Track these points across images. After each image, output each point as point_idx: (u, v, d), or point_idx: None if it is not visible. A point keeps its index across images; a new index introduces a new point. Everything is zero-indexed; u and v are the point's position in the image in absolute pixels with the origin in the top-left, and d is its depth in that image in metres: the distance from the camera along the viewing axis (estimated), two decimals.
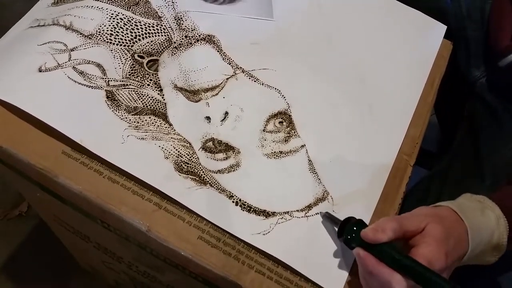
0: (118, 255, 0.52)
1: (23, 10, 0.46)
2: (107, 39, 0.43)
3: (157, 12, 0.46)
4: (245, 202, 0.38)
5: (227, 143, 0.41)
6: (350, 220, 0.35)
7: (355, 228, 0.34)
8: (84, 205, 0.40)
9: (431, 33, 0.51)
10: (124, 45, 0.43)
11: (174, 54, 0.44)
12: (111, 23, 0.44)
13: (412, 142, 0.44)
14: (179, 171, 0.39)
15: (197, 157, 0.40)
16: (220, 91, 0.43)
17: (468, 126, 0.57)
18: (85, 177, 0.38)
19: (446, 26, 0.52)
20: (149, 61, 0.43)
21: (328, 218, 0.38)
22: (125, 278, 0.63)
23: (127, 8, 0.45)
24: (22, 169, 0.42)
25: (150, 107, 0.41)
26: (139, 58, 0.43)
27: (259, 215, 0.38)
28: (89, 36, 0.43)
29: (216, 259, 0.36)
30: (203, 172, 0.39)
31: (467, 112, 0.58)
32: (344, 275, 0.36)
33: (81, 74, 0.41)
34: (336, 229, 0.36)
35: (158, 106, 0.41)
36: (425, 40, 0.51)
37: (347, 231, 0.35)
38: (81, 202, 0.39)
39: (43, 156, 0.39)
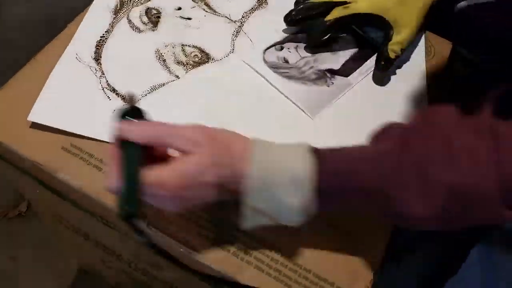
0: (117, 253, 0.52)
1: (23, 11, 0.47)
2: None
3: None
4: None
5: None
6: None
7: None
8: (83, 201, 0.40)
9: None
10: None
11: None
12: None
13: None
14: None
15: None
16: None
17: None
18: (84, 173, 0.38)
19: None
20: None
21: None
22: (125, 277, 0.63)
23: None
24: (22, 165, 0.41)
25: None
26: None
27: None
28: None
29: (215, 255, 0.36)
30: None
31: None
32: None
33: None
34: None
35: None
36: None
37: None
38: (80, 197, 0.39)
39: (43, 152, 0.39)
